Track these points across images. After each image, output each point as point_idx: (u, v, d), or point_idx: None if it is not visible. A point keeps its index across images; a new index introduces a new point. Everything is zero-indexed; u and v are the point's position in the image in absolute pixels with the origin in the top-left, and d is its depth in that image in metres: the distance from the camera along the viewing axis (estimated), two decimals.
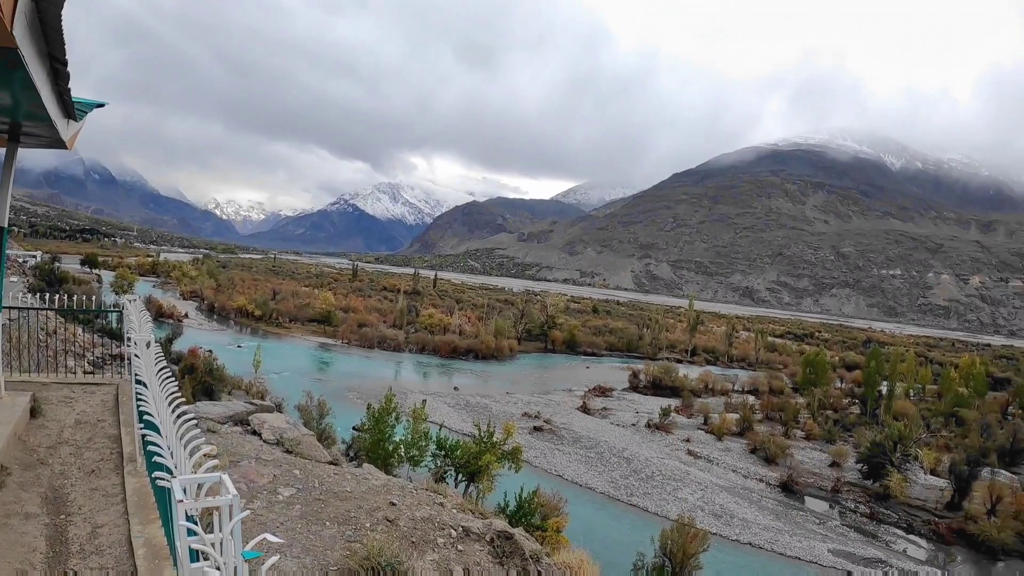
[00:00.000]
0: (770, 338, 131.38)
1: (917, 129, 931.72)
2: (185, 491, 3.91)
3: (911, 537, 40.73)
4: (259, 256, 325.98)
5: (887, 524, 41.83)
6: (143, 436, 7.70)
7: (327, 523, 11.22)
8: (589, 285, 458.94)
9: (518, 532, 12.41)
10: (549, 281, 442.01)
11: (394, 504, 12.39)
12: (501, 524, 12.46)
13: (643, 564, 24.25)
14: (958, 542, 40.50)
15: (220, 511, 3.82)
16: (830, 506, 43.56)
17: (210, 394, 31.99)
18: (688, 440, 51.78)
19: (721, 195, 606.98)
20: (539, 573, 11.81)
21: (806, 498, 44.23)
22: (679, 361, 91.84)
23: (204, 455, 4.78)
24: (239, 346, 65.02)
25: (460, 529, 11.90)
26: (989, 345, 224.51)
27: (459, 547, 11.38)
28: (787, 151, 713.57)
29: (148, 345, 9.31)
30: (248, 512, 4.24)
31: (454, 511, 12.97)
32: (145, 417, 6.90)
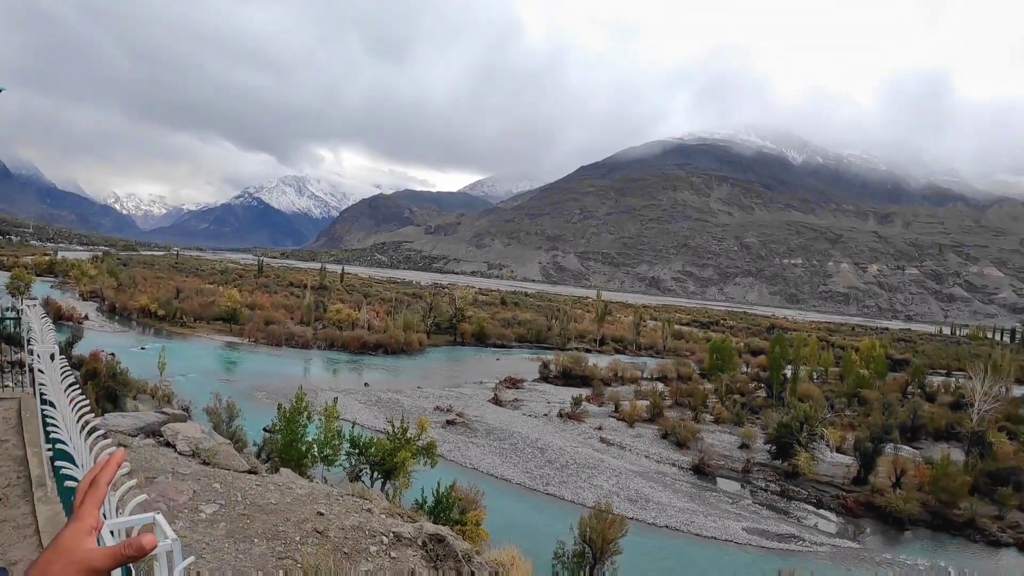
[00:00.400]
0: (677, 326, 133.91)
1: (819, 126, 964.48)
2: (113, 535, 3.49)
3: (821, 512, 42.26)
4: (161, 253, 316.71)
5: (798, 500, 43.24)
6: (56, 465, 6.99)
7: (255, 540, 10.82)
8: (497, 277, 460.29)
9: (448, 532, 12.28)
10: (457, 274, 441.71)
11: (322, 514, 12.08)
12: (432, 527, 12.32)
13: (564, 552, 24.37)
14: (866, 514, 42.31)
15: (158, 559, 3.30)
16: (742, 486, 44.76)
17: (114, 400, 30.88)
18: (600, 428, 52.49)
19: (628, 187, 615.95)
20: (472, 574, 11.70)
21: (718, 479, 45.37)
22: (588, 351, 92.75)
23: (129, 489, 4.36)
24: (143, 348, 62.98)
25: (391, 535, 11.67)
26: (887, 329, 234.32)
27: (392, 554, 11.15)
28: (693, 145, 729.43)
29: (53, 357, 8.76)
30: (192, 558, 3.83)
31: (383, 516, 12.74)
32: (58, 446, 6.21)
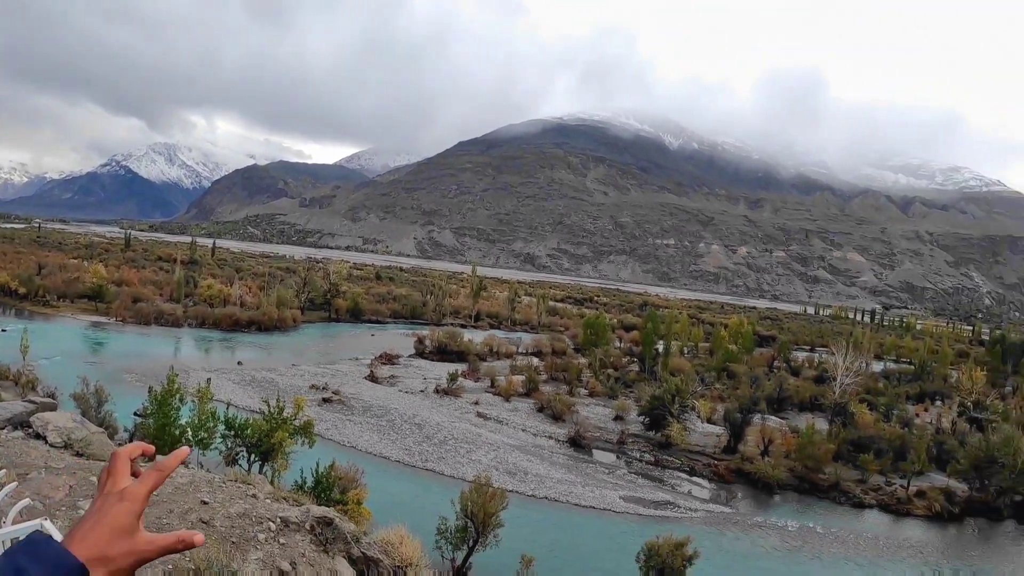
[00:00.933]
0: (551, 302, 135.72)
1: (697, 114, 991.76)
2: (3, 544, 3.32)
3: (694, 479, 44.20)
4: (21, 225, 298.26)
5: (671, 469, 45.06)
6: None
7: None
8: (372, 252, 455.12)
9: (335, 514, 12.30)
10: (331, 248, 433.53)
11: (206, 503, 11.90)
12: (319, 510, 12.32)
13: (447, 527, 24.59)
14: (737, 481, 44.57)
15: None
16: (617, 457, 46.24)
17: None
18: (477, 403, 53.01)
19: (505, 165, 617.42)
20: (363, 555, 11.77)
21: (594, 451, 46.71)
22: (464, 326, 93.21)
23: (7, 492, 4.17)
24: (3, 330, 59.57)
25: (279, 520, 11.61)
26: (755, 307, 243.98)
27: (281, 540, 11.13)
28: (572, 126, 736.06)
29: None
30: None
31: (268, 501, 12.66)
32: None
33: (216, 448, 26.67)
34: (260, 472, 25.05)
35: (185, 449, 1.80)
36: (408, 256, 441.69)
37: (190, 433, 25.66)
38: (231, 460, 25.88)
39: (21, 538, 1.64)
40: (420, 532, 15.53)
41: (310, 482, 22.70)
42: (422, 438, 42.06)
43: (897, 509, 44.77)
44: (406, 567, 14.25)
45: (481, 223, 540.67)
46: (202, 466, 22.51)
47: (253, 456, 26.35)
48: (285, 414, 27.00)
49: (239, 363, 57.91)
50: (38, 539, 1.55)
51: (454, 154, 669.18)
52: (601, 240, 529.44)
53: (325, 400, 47.21)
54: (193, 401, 27.14)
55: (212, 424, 26.26)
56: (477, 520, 25.03)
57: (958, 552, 41.41)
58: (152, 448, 1.84)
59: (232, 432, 26.44)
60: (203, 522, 11.09)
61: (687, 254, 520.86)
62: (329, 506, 16.60)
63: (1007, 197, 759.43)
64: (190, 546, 1.71)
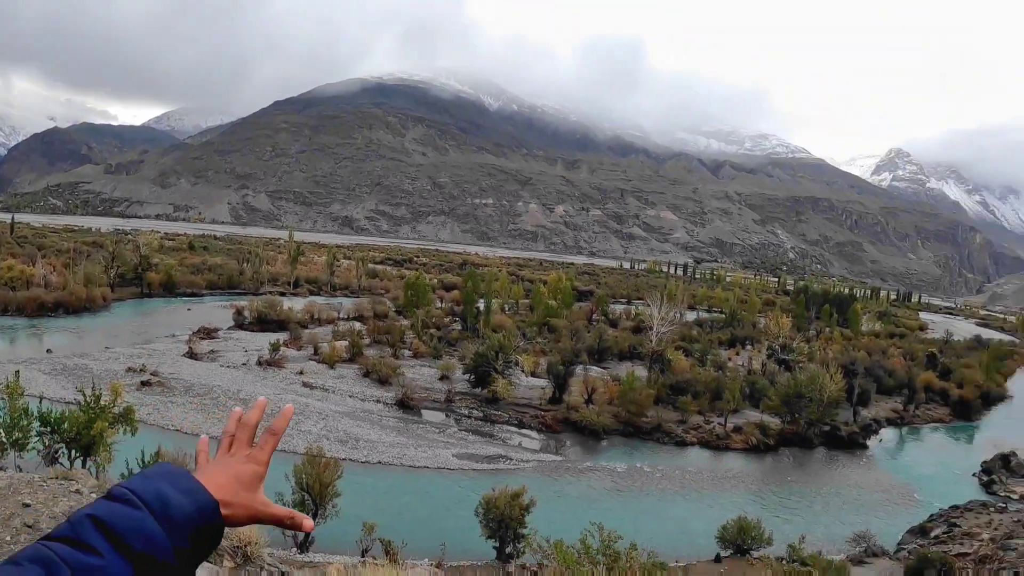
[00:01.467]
0: (371, 265, 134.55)
1: (518, 77, 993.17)
2: None
3: (524, 431, 45.53)
4: None
5: (500, 424, 46.25)
6: None
7: None
8: (184, 220, 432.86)
9: None
10: (141, 218, 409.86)
11: (28, 505, 11.18)
12: None
13: (283, 503, 24.13)
14: (565, 430, 46.38)
15: None
16: (446, 415, 46.97)
17: None
18: (302, 372, 52.21)
19: (323, 125, 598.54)
20: None
21: (423, 412, 47.28)
22: (283, 294, 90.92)
23: None
24: None
25: None
26: (573, 264, 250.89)
27: None
28: (392, 85, 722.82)
29: None
30: None
31: (93, 496, 12.01)
32: None
33: (34, 448, 24.85)
34: (83, 468, 23.72)
35: (290, 407, 1.99)
36: (222, 223, 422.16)
37: (3, 434, 23.75)
38: (51, 459, 24.35)
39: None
40: None
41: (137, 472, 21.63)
42: None
43: (717, 445, 48.04)
44: (244, 546, 14.02)
45: (298, 186, 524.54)
46: (20, 468, 21.11)
47: (74, 451, 24.89)
48: (103, 402, 25.54)
49: (48, 351, 53.58)
50: (175, 470, 1.67)
51: (270, 114, 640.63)
52: (420, 201, 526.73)
53: (144, 383, 44.90)
54: (2, 398, 25.14)
55: (26, 422, 24.34)
56: (313, 492, 24.87)
57: (776, 478, 45.00)
58: (265, 401, 2.08)
59: (48, 428, 24.77)
60: (28, 526, 10.40)
61: (506, 213, 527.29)
62: None
63: (810, 163, 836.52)
64: (299, 527, 1.87)
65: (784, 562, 29.23)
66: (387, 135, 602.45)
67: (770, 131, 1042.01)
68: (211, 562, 11.82)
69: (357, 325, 71.50)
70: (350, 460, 34.04)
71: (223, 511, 1.68)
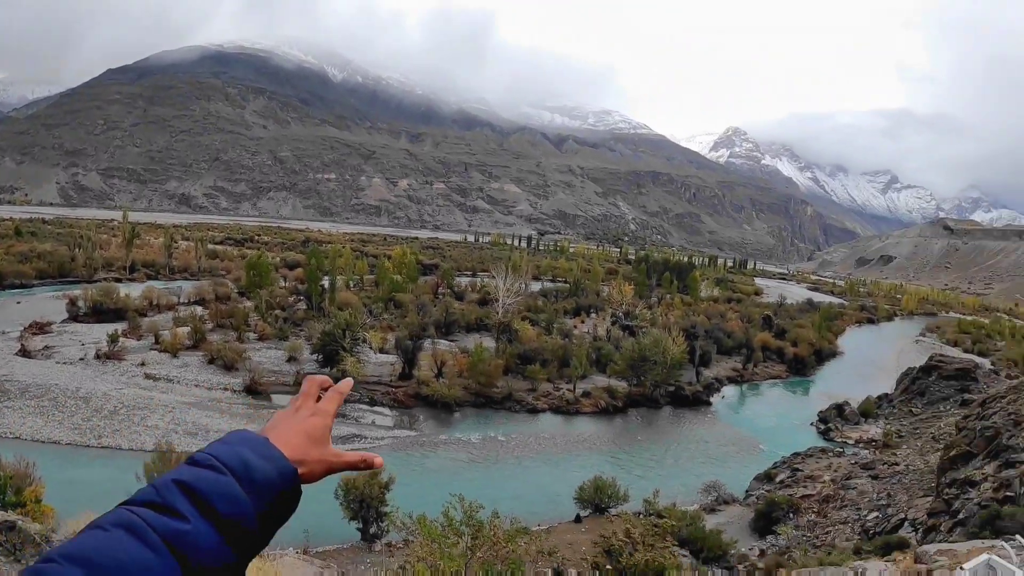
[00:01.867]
0: (211, 245, 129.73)
1: (364, 47, 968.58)
2: None
3: (376, 409, 45.26)
4: None
5: (352, 403, 45.59)
6: None
7: None
8: (9, 203, 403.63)
9: (16, 517, 11.08)
10: None
11: None
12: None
13: None
14: (417, 405, 46.44)
15: None
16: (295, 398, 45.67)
17: None
18: (143, 364, 49.62)
19: (159, 96, 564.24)
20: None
21: (273, 396, 46.08)
22: (119, 280, 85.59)
23: None
24: None
25: None
26: (417, 238, 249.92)
27: None
28: (232, 54, 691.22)
29: None
30: None
31: None
32: None
33: None
34: None
35: (350, 380, 1.98)
36: (51, 205, 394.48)
37: None
38: None
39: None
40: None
41: None
42: (91, 412, 38.65)
43: (568, 410, 49.27)
44: None
45: (131, 162, 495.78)
46: None
47: None
48: None
49: None
50: (254, 436, 1.69)
51: (102, 84, 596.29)
52: (260, 176, 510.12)
53: None
54: None
55: None
56: None
57: (627, 438, 46.58)
58: (330, 380, 1.99)
59: None
60: None
61: (348, 188, 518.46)
62: (4, 510, 14.93)
63: (652, 139, 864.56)
64: (371, 467, 1.88)
65: (641, 516, 30.31)
66: (226, 107, 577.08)
67: (614, 108, 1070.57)
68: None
69: (199, 310, 68.60)
70: None
71: (300, 470, 1.70)
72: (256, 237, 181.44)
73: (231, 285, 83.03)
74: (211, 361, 51.05)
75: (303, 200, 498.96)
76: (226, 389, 46.11)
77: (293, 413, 1.85)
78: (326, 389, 1.93)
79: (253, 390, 45.91)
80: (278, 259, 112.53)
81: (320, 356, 51.30)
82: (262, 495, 1.55)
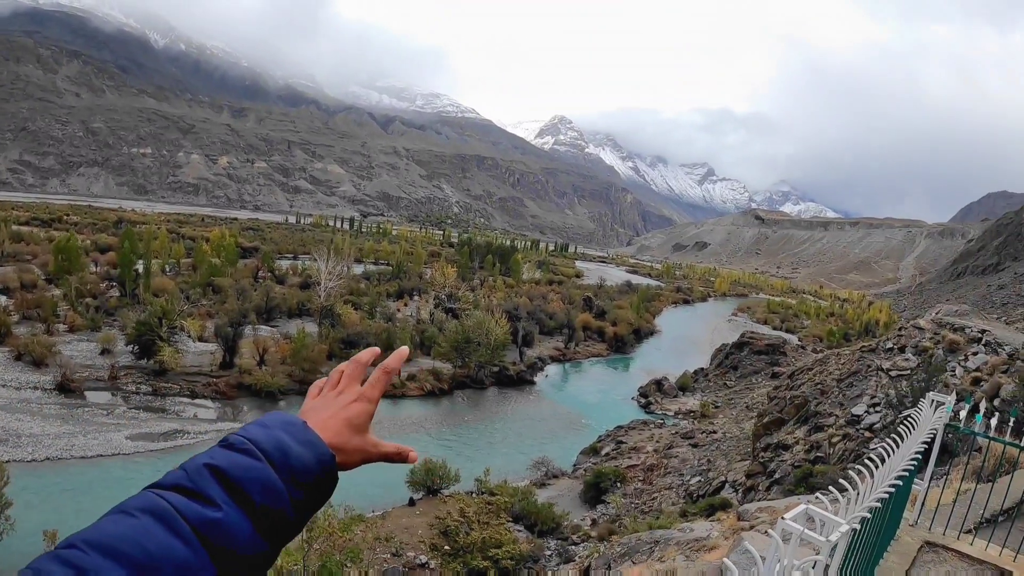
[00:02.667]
0: (15, 226, 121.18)
1: (189, 12, 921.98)
2: None
3: (198, 402, 44.01)
4: None
5: (172, 396, 44.24)
6: None
7: None
8: None
9: None
10: None
11: None
12: None
13: None
14: (240, 395, 45.45)
15: None
16: (113, 394, 43.97)
17: None
18: None
19: None
20: None
21: (87, 393, 43.72)
22: None
23: None
24: None
25: None
26: (237, 219, 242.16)
27: None
28: (49, 11, 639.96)
29: None
30: None
31: None
32: None
33: None
34: None
35: (404, 349, 1.87)
36: None
37: None
38: None
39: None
40: None
41: None
42: None
43: (394, 394, 49.76)
44: None
45: None
46: None
47: None
48: None
49: None
50: (293, 419, 1.61)
51: None
52: (71, 150, 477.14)
53: None
54: None
55: None
56: None
57: (454, 419, 47.49)
58: (379, 350, 1.97)
59: None
60: None
61: (165, 164, 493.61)
62: None
63: (479, 123, 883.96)
64: (406, 459, 1.83)
65: (474, 496, 31.20)
66: (37, 70, 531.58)
67: (442, 91, 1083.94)
68: None
69: (2, 299, 64.28)
70: (14, 461, 30.66)
71: (338, 458, 1.65)
72: (65, 217, 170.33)
73: (38, 271, 77.72)
74: (18, 357, 47.24)
75: (116, 177, 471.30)
76: (36, 388, 43.05)
77: (335, 396, 1.81)
78: (374, 364, 1.93)
79: (65, 387, 43.15)
80: (89, 242, 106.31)
81: (136, 347, 48.92)
82: (299, 483, 1.51)
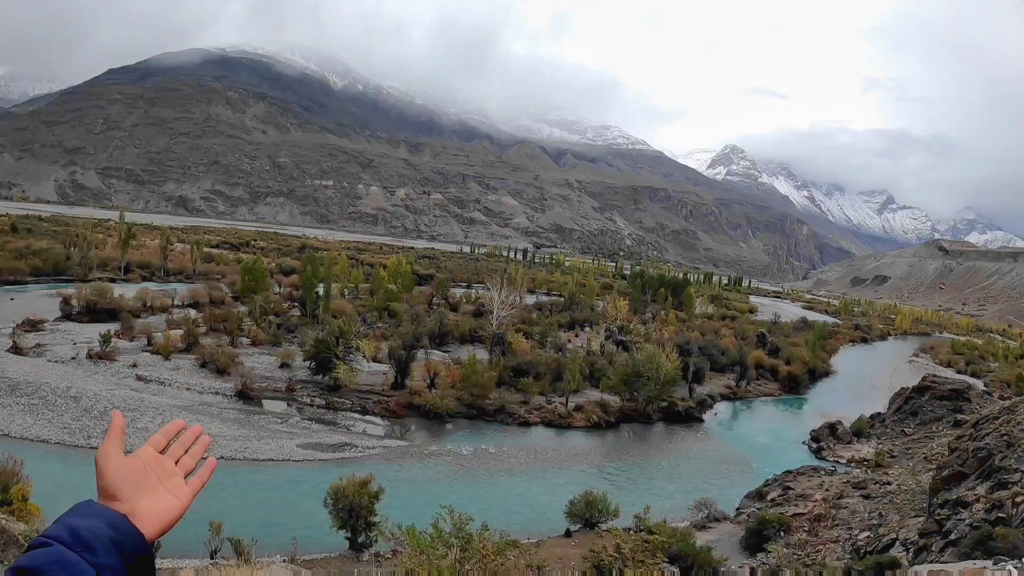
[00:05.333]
0: (207, 249, 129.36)
1: (366, 55, 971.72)
2: None
3: (368, 418, 45.08)
4: None
5: (343, 411, 45.65)
6: None
7: None
8: (6, 199, 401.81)
9: (1, 516, 10.93)
10: None
11: None
12: None
13: None
14: (409, 414, 46.33)
15: None
16: (288, 405, 45.81)
17: None
18: (135, 365, 49.18)
19: (160, 97, 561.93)
20: None
21: (264, 402, 45.79)
22: (113, 280, 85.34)
23: None
24: None
25: None
26: (413, 248, 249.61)
27: None
28: (235, 58, 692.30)
29: None
30: None
31: None
32: None
33: None
34: None
35: (213, 461, 2.11)
36: (48, 202, 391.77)
37: None
38: None
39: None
40: None
41: None
42: (81, 412, 38.11)
43: (560, 423, 49.12)
44: None
45: (130, 163, 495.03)
46: None
47: None
48: None
49: None
50: (113, 515, 1.70)
51: (103, 83, 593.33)
52: (258, 181, 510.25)
53: None
54: None
55: None
56: None
57: (618, 453, 46.40)
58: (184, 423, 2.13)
59: None
60: None
61: (346, 196, 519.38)
62: None
63: (650, 155, 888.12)
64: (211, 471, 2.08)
65: (632, 532, 30.14)
66: (227, 111, 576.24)
67: (612, 123, 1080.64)
68: None
69: (193, 312, 68.13)
70: None
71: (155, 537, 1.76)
72: (252, 242, 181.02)
73: (226, 289, 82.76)
74: (203, 365, 50.68)
75: (300, 206, 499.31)
76: (217, 393, 45.86)
77: (156, 483, 1.85)
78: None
79: (244, 395, 45.65)
80: (274, 265, 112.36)
81: (313, 363, 50.96)
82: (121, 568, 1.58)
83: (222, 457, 34.40)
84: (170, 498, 1.84)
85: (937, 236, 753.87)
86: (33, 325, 58.05)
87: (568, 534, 30.86)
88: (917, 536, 28.05)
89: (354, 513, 25.80)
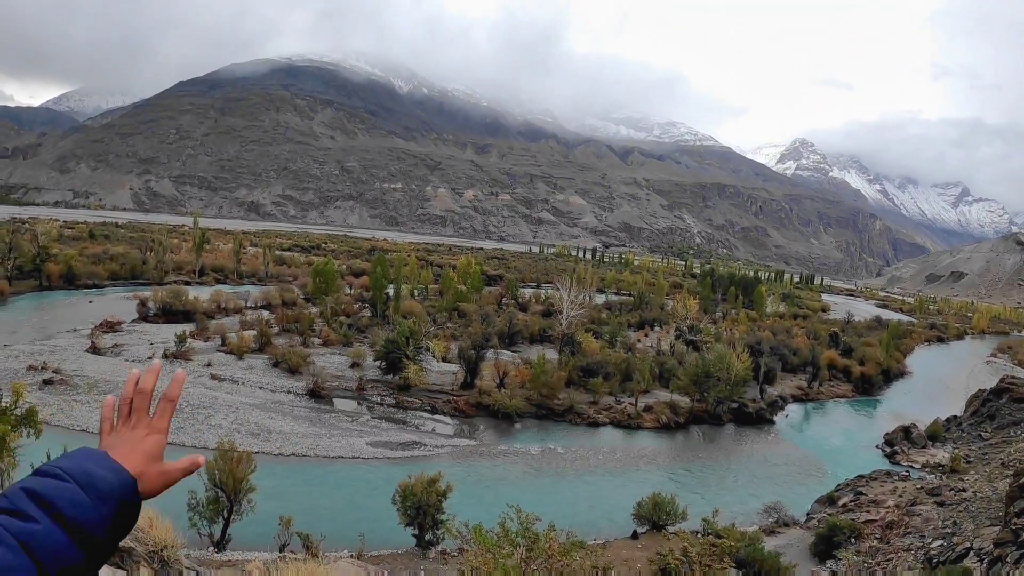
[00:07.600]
0: (278, 252, 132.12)
1: (430, 60, 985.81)
2: None
3: (437, 417, 45.59)
4: None
5: (413, 410, 46.20)
6: None
7: None
8: (84, 207, 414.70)
9: None
10: (38, 205, 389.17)
11: None
12: None
13: (197, 501, 23.53)
14: (478, 413, 46.64)
15: None
16: (358, 403, 46.55)
17: None
18: (209, 364, 50.63)
19: (229, 107, 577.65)
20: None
21: (335, 400, 46.65)
22: (188, 283, 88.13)
23: None
24: None
25: None
26: (482, 248, 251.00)
27: None
28: (301, 67, 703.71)
29: None
30: None
31: None
32: None
33: None
34: None
35: (182, 372, 2.17)
36: (124, 210, 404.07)
37: None
38: None
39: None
40: (170, 512, 14.61)
41: None
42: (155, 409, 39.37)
43: (629, 424, 48.91)
44: (160, 550, 13.50)
45: (202, 170, 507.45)
46: None
47: None
48: (3, 404, 24.11)
49: None
50: (97, 451, 1.88)
51: (174, 95, 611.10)
52: (328, 185, 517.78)
53: (47, 382, 42.41)
54: None
55: None
56: (227, 488, 24.19)
57: (687, 455, 46.00)
58: (160, 364, 2.24)
59: None
60: None
61: (414, 198, 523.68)
62: None
63: (717, 151, 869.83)
64: (199, 467, 2.11)
65: (699, 535, 29.87)
66: (295, 118, 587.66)
67: (678, 119, 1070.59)
68: (125, 569, 11.33)
69: (265, 314, 69.91)
70: (263, 453, 33.17)
71: (141, 485, 1.88)
72: (323, 245, 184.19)
73: (297, 291, 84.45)
74: (276, 364, 52.02)
75: (369, 209, 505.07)
76: (289, 392, 46.85)
77: (130, 431, 2.01)
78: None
79: (315, 394, 46.53)
80: (344, 267, 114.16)
81: (383, 363, 51.59)
82: (104, 501, 1.73)
83: (293, 454, 35.12)
84: (141, 438, 2.00)
85: (1015, 229, 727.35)
86: (111, 326, 60.19)
87: (635, 536, 30.73)
88: (992, 546, 27.24)
89: (422, 511, 26.08)
